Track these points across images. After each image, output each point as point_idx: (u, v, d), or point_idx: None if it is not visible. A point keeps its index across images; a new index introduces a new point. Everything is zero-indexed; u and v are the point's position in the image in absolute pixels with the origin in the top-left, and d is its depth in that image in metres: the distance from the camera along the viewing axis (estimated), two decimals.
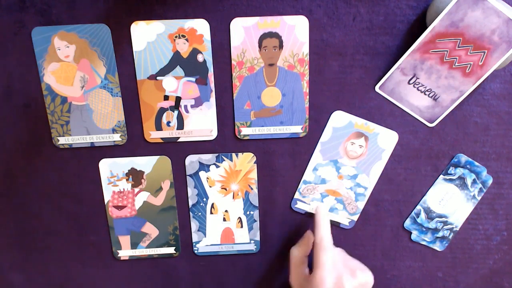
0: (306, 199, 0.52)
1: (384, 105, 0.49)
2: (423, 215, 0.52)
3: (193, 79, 0.48)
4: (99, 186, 0.51)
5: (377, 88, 0.48)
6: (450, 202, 0.52)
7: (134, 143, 0.50)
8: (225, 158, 0.50)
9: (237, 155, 0.50)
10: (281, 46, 0.47)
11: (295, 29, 0.46)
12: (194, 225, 0.53)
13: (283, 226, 0.53)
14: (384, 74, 0.47)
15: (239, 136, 0.50)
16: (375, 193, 0.52)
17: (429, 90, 0.47)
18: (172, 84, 0.48)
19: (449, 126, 0.49)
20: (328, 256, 0.46)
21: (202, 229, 0.53)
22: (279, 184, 0.52)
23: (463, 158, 0.50)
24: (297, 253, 0.50)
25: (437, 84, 0.46)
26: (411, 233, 0.53)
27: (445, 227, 0.53)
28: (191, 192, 0.52)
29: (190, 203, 0.52)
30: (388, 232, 0.53)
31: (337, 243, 0.53)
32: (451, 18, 0.42)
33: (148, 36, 0.46)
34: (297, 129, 0.49)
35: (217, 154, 0.50)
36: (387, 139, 0.50)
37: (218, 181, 0.51)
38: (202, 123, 0.49)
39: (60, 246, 0.53)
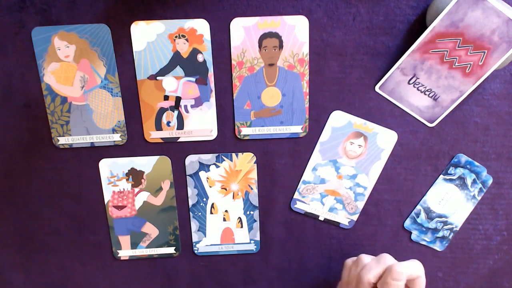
0: (305, 199, 0.52)
1: (384, 105, 0.49)
2: (423, 215, 0.52)
3: (193, 79, 0.48)
4: (99, 186, 0.51)
5: (377, 88, 0.48)
6: (450, 202, 0.52)
7: (134, 143, 0.50)
8: (225, 158, 0.50)
9: (237, 155, 0.50)
10: (281, 46, 0.47)
11: (295, 29, 0.46)
12: (194, 225, 0.53)
13: (283, 226, 0.53)
14: (384, 74, 0.47)
15: (239, 136, 0.50)
16: (375, 193, 0.52)
17: (429, 90, 0.47)
18: (172, 84, 0.48)
19: (449, 126, 0.49)
20: None
21: (202, 229, 0.53)
22: (279, 184, 0.52)
23: (463, 158, 0.50)
24: (370, 277, 0.40)
25: (437, 84, 0.46)
26: (411, 233, 0.53)
27: (445, 227, 0.53)
28: (191, 192, 0.52)
29: (190, 203, 0.52)
30: (388, 232, 0.53)
31: (336, 243, 0.53)
32: (451, 18, 0.42)
33: (148, 36, 0.46)
34: (297, 129, 0.49)
35: (217, 154, 0.50)
36: (386, 139, 0.50)
37: (218, 181, 0.51)
38: (202, 123, 0.49)
39: (60, 246, 0.53)
